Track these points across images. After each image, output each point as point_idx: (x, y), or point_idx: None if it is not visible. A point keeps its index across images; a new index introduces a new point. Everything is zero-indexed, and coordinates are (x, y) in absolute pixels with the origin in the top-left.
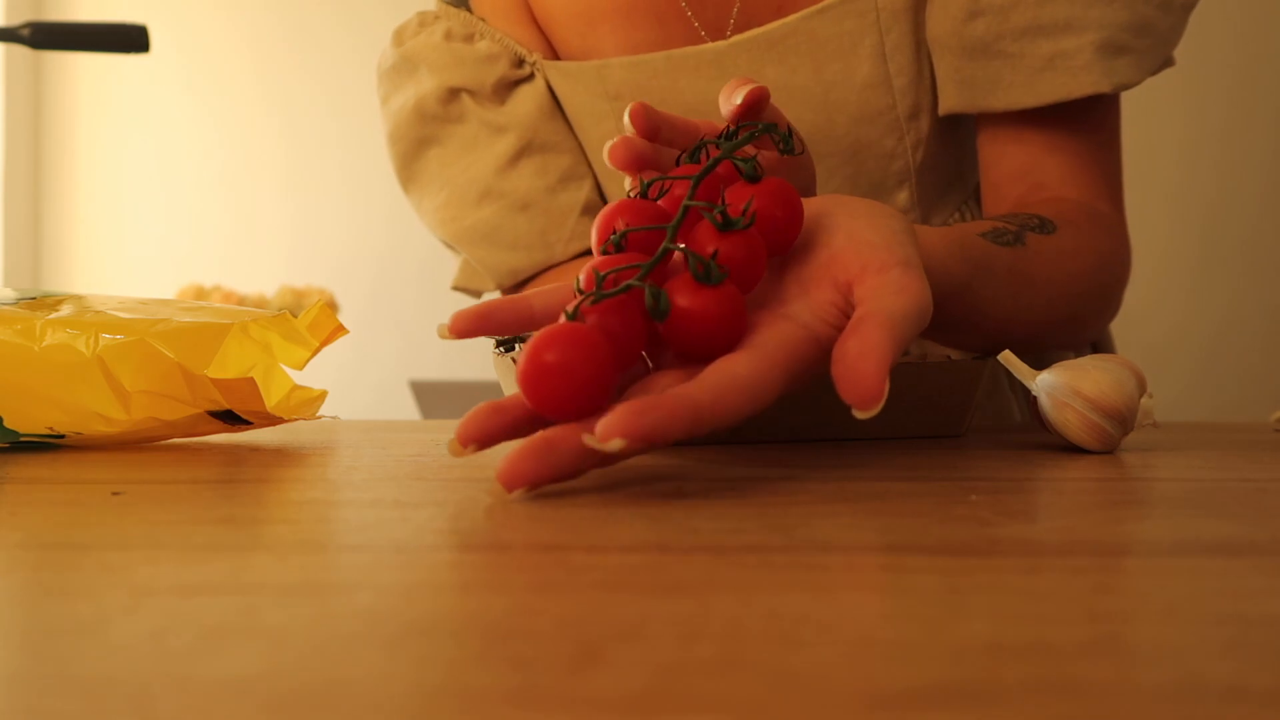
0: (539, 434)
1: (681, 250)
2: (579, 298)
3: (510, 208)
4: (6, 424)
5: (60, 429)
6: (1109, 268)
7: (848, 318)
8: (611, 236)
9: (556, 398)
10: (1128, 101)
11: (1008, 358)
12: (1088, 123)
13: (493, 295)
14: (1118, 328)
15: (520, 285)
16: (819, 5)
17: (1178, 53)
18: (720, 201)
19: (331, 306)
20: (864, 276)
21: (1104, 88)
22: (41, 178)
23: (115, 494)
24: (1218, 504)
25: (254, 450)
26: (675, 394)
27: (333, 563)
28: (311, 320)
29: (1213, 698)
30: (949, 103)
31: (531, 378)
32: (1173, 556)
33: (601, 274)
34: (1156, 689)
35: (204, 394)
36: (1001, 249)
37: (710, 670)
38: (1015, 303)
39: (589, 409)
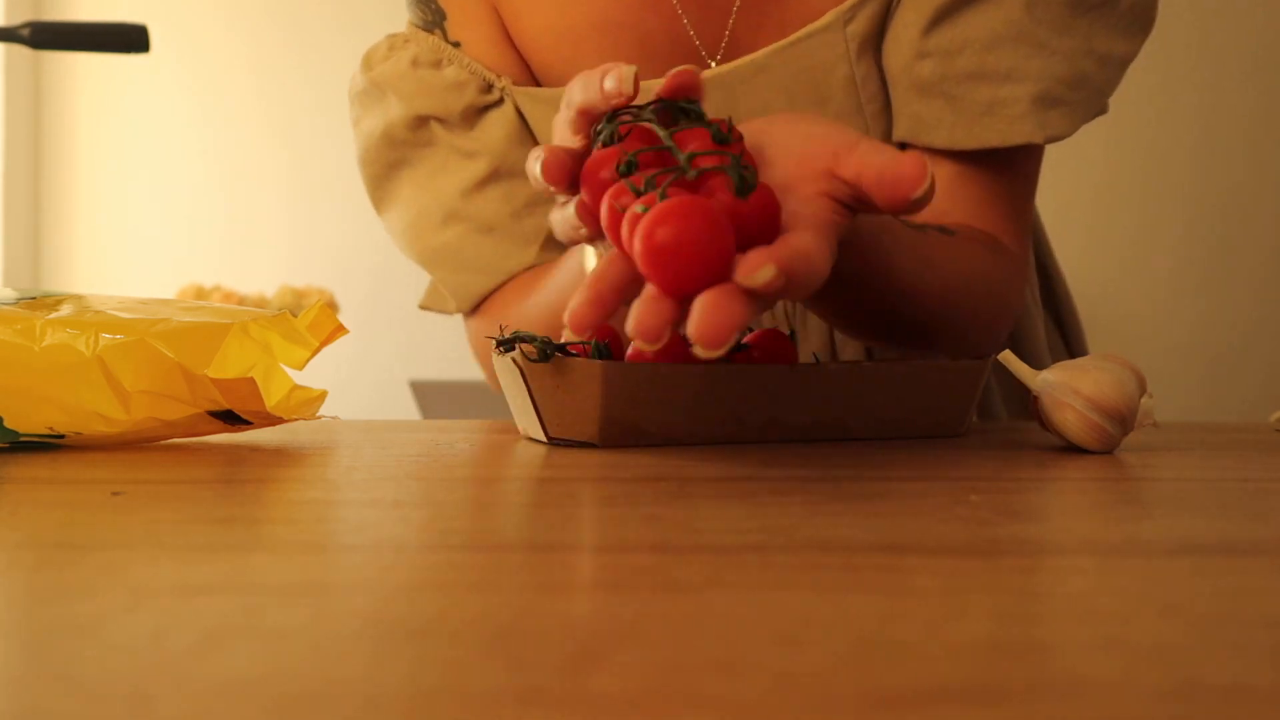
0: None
1: (714, 153)
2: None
3: (474, 230)
4: (6, 424)
5: (60, 429)
6: (999, 287)
7: (839, 201)
8: (627, 158)
9: (686, 273)
10: (1144, 105)
11: (1007, 357)
12: (1008, 166)
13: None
14: (1133, 331)
15: (478, 307)
16: (790, 38)
17: (1198, 55)
18: (740, 155)
19: (331, 306)
20: (838, 157)
21: (1036, 138)
22: (41, 178)
23: (115, 494)
24: (1218, 504)
25: (254, 450)
26: (785, 241)
27: (333, 563)
28: (311, 320)
29: (1213, 698)
30: (896, 133)
31: (657, 257)
32: (1173, 556)
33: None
34: (1156, 689)
35: (204, 394)
36: (907, 228)
37: (710, 670)
38: (916, 278)
39: (716, 279)
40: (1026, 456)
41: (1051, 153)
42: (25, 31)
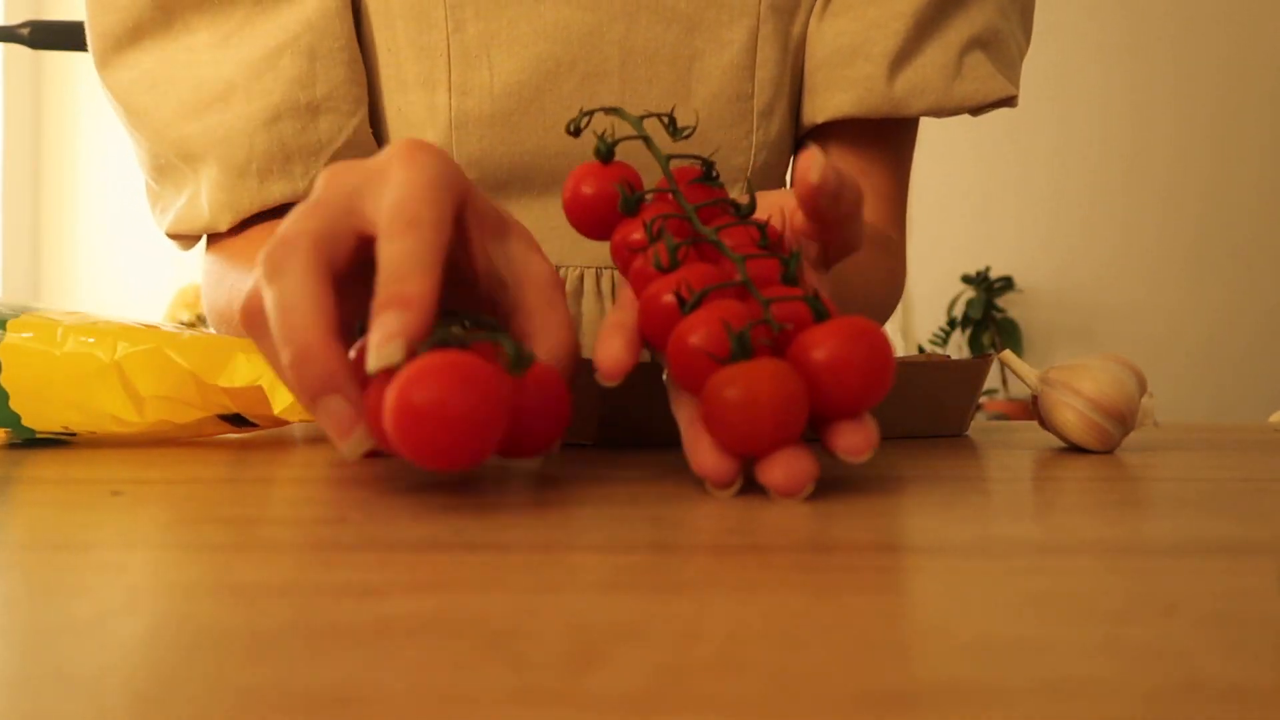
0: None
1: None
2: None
3: (258, 114)
4: (24, 422)
5: (75, 428)
6: (891, 286)
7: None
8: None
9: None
10: (1123, 97)
11: (1007, 357)
12: (899, 155)
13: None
14: (1115, 323)
15: (238, 230)
16: None
17: (1171, 47)
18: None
19: None
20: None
21: (1011, 91)
22: (41, 178)
23: (115, 494)
24: (1218, 504)
25: (256, 450)
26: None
27: (332, 562)
28: None
29: (1213, 698)
30: (845, 106)
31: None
32: (1173, 556)
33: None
34: (1156, 689)
35: (215, 400)
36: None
37: (710, 670)
38: (835, 297)
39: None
40: (1026, 456)
41: (1041, 157)
42: (25, 31)
